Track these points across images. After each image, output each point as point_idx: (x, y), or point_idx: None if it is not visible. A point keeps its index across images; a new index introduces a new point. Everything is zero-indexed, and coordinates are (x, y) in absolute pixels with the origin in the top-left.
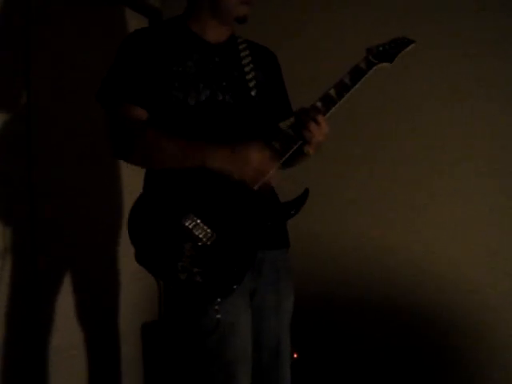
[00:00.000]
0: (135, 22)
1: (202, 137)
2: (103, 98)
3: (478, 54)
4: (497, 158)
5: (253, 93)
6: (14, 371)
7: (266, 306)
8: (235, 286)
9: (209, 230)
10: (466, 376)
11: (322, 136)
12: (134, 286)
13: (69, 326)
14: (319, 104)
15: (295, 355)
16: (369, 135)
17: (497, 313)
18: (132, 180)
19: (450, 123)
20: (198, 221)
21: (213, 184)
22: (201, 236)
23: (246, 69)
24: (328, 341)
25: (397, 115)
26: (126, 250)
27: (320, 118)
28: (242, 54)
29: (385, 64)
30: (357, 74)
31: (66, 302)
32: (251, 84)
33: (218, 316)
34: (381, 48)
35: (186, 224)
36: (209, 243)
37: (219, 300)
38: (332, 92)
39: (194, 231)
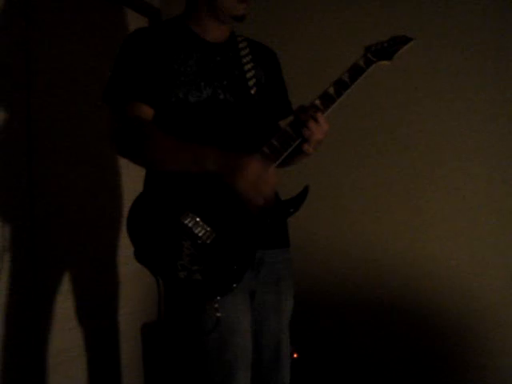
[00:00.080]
0: (135, 21)
1: (202, 135)
2: (110, 98)
3: (478, 52)
4: (497, 157)
5: (253, 91)
6: (14, 371)
7: (265, 305)
8: (235, 285)
9: (208, 229)
10: (465, 376)
11: (321, 134)
12: (134, 286)
13: (69, 326)
14: (318, 102)
15: (295, 355)
16: (369, 134)
17: (497, 313)
18: (132, 179)
19: (450, 123)
20: (198, 219)
21: (212, 182)
22: (200, 234)
23: (246, 67)
24: (328, 341)
25: (397, 115)
26: (126, 249)
27: (319, 116)
28: (242, 53)
29: (384, 62)
30: (356, 71)
31: (65, 302)
32: (251, 82)
33: (218, 314)
34: (379, 46)
35: (186, 222)
36: (208, 241)
37: (219, 298)
38: (331, 90)
39: (194, 229)
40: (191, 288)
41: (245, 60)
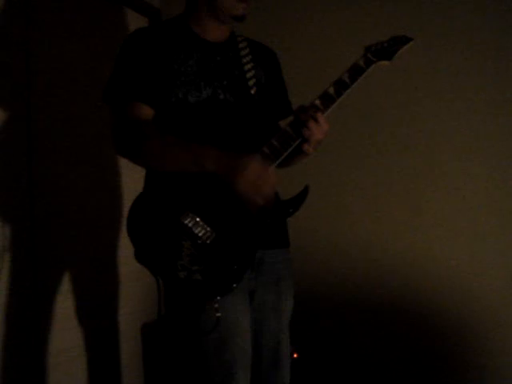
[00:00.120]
0: (135, 21)
1: (202, 135)
2: (110, 98)
3: (478, 52)
4: (497, 157)
5: (253, 91)
6: (15, 371)
7: (265, 305)
8: (235, 285)
9: (208, 229)
10: (465, 376)
11: (321, 134)
12: (134, 286)
13: (69, 325)
14: (318, 102)
15: (295, 355)
16: (369, 134)
17: (497, 313)
18: (132, 179)
19: (450, 123)
20: (198, 219)
21: (212, 182)
22: (200, 234)
23: (246, 67)
24: (328, 341)
25: (397, 115)
26: (126, 249)
27: (319, 116)
28: (242, 53)
29: (384, 62)
30: (355, 72)
31: (65, 301)
32: (251, 82)
33: (218, 314)
34: (379, 46)
35: (186, 222)
36: (208, 241)
37: (218, 298)
38: (331, 90)
39: (194, 229)
40: (191, 288)
41: (245, 60)
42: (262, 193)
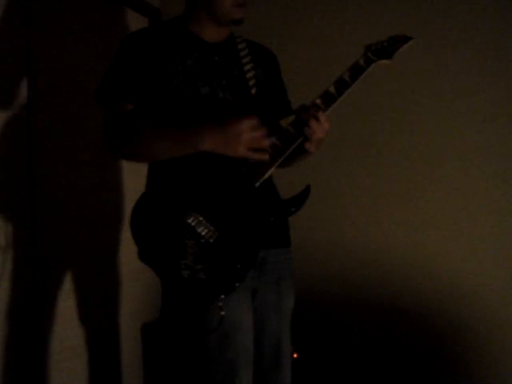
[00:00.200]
0: (135, 21)
1: None
2: (100, 97)
3: (478, 52)
4: (497, 157)
5: (253, 91)
6: (15, 371)
7: (266, 305)
8: (238, 284)
9: (211, 228)
10: (465, 376)
11: (323, 133)
12: (135, 285)
13: (69, 325)
14: (319, 101)
15: (295, 355)
16: (369, 134)
17: (497, 313)
18: (132, 179)
19: (450, 123)
20: (201, 218)
21: (215, 181)
22: (203, 233)
23: (246, 67)
24: (328, 341)
25: (397, 115)
26: (126, 249)
27: (320, 114)
28: (242, 53)
29: (384, 61)
30: (356, 71)
31: (65, 301)
32: (251, 82)
33: (222, 313)
34: (379, 45)
35: (189, 221)
36: (211, 240)
37: (223, 297)
38: (332, 89)
39: (197, 228)
40: (195, 287)
41: (244, 60)
42: (254, 146)
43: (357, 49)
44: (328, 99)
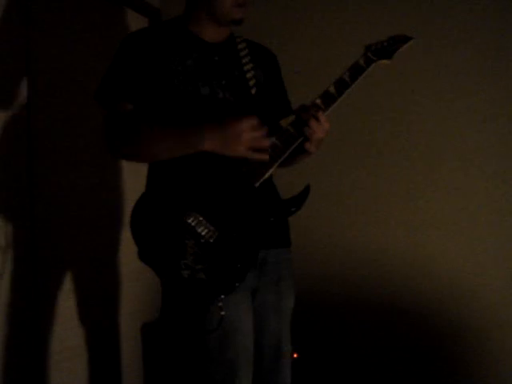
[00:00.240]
0: (135, 21)
1: None
2: (100, 97)
3: (478, 52)
4: (497, 157)
5: (253, 91)
6: (15, 370)
7: (266, 305)
8: (238, 284)
9: (211, 228)
10: (465, 376)
11: (323, 133)
12: (135, 285)
13: (69, 325)
14: (319, 101)
15: (295, 355)
16: (369, 134)
17: (497, 313)
18: (132, 179)
19: (450, 123)
20: (201, 218)
21: (215, 181)
22: (203, 233)
23: (246, 67)
24: (328, 341)
25: (397, 115)
26: (126, 249)
27: (320, 114)
28: (242, 54)
29: (384, 61)
30: (356, 71)
31: (66, 301)
32: (251, 82)
33: (222, 313)
34: (379, 45)
35: (189, 221)
36: (211, 240)
37: (223, 297)
38: (332, 89)
39: (197, 228)
40: (195, 287)
41: (244, 60)
42: (251, 146)
43: (357, 49)
44: (328, 99)
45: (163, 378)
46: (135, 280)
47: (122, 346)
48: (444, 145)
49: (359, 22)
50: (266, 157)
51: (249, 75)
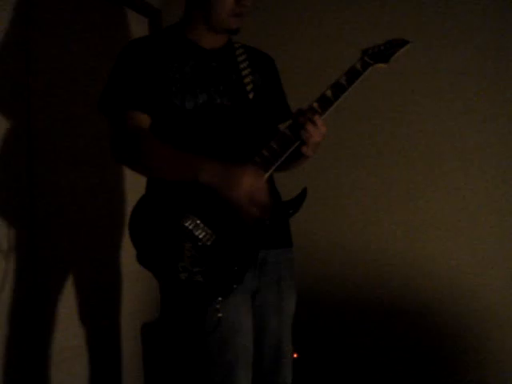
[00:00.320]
0: (135, 22)
1: (200, 141)
2: (105, 107)
3: (478, 52)
4: (497, 157)
5: (250, 96)
6: (16, 370)
7: (267, 305)
8: (235, 286)
9: (209, 231)
10: (465, 376)
11: (320, 136)
12: (135, 286)
13: (70, 325)
14: (316, 105)
15: (295, 355)
16: (369, 135)
17: (497, 313)
18: (132, 179)
19: (450, 123)
20: (198, 221)
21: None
22: (201, 236)
23: (244, 72)
24: (328, 341)
25: (397, 115)
26: (126, 250)
27: (317, 118)
28: (239, 59)
29: (380, 65)
30: (353, 74)
31: (67, 302)
32: (249, 87)
33: (219, 315)
34: (376, 49)
35: (186, 225)
36: (209, 243)
37: (220, 299)
38: (328, 93)
39: (194, 231)
40: (192, 289)
41: (242, 66)
42: (257, 203)
43: (356, 49)
44: (325, 103)
45: (163, 378)
46: (135, 280)
47: (122, 345)
48: (444, 145)
49: (359, 22)
50: (265, 216)
51: (247, 80)
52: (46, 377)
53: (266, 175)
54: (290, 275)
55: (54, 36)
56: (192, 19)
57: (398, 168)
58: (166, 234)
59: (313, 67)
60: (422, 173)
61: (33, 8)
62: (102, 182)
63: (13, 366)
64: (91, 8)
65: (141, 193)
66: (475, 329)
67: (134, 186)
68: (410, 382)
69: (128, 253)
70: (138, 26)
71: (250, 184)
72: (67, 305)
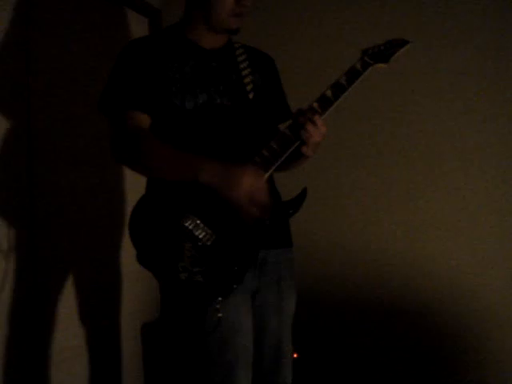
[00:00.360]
0: (135, 22)
1: (200, 141)
2: (105, 108)
3: (478, 52)
4: (497, 157)
5: (250, 96)
6: (16, 370)
7: (267, 305)
8: (235, 286)
9: (209, 231)
10: (465, 376)
11: (319, 136)
12: (135, 286)
13: (70, 325)
14: (316, 105)
15: (295, 355)
16: (369, 135)
17: (497, 313)
18: (132, 179)
19: (450, 123)
20: (198, 221)
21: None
22: (200, 236)
23: (244, 72)
24: (328, 341)
25: (397, 115)
26: (126, 250)
27: (317, 118)
28: (239, 59)
29: (380, 65)
30: (353, 74)
31: (67, 302)
32: (249, 87)
33: (219, 315)
34: (376, 49)
35: (186, 225)
36: (209, 243)
37: (220, 299)
38: (328, 93)
39: (194, 231)
40: (192, 289)
41: (242, 66)
42: (257, 203)
43: (356, 49)
44: (325, 103)
45: (163, 378)
46: (135, 280)
47: (122, 345)
48: (444, 145)
49: (359, 22)
50: (265, 216)
51: (246, 80)
52: (46, 377)
53: (266, 175)
54: (290, 275)
55: (54, 36)
56: (192, 19)
57: (398, 168)
58: (166, 234)
59: (313, 67)
60: (422, 173)
61: (33, 8)
62: (102, 182)
63: (13, 366)
64: (91, 8)
65: (141, 193)
66: (475, 329)
67: (134, 185)
68: (410, 382)
69: (128, 253)
70: (138, 26)
71: (250, 184)
72: (67, 305)
